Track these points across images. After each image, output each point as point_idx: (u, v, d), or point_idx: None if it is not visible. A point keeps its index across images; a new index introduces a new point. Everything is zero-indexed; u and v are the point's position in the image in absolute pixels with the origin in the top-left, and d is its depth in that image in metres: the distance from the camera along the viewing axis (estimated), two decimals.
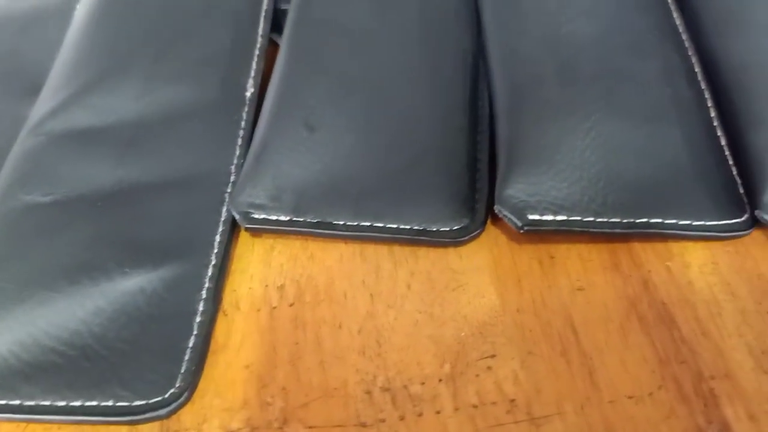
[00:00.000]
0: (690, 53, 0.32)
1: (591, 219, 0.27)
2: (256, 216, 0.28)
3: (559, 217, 0.26)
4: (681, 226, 0.27)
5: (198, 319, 0.25)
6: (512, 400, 0.23)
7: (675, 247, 0.27)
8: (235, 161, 0.30)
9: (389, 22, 0.34)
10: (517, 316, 0.25)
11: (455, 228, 0.27)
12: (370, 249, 0.28)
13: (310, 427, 0.23)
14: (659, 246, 0.27)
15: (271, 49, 0.35)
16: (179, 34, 0.34)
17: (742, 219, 0.27)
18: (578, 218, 0.26)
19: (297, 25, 0.34)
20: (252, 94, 0.32)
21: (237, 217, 0.28)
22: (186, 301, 0.25)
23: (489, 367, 0.24)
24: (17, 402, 0.23)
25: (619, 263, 0.27)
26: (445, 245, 0.27)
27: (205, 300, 0.25)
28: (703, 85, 0.31)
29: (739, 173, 0.28)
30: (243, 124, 0.31)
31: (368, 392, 0.23)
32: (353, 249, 0.28)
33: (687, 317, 0.25)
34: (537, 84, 0.29)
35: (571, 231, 0.27)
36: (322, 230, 0.28)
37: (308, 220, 0.28)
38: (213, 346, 0.25)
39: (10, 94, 0.34)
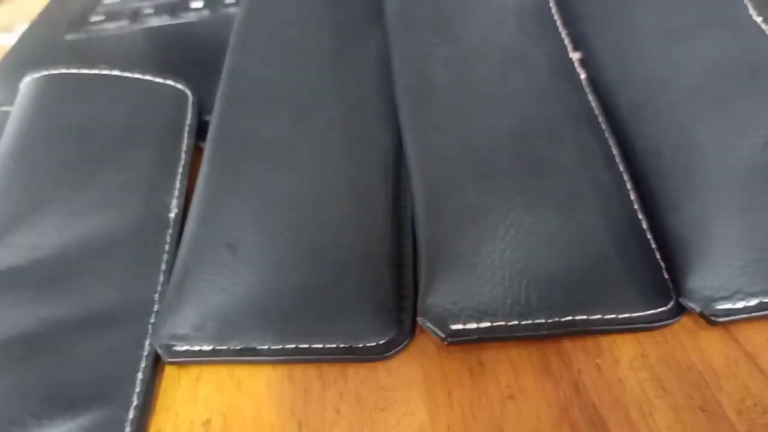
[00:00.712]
0: (607, 136, 0.32)
1: (516, 323, 0.26)
2: (179, 348, 0.27)
3: (483, 324, 0.26)
4: (607, 320, 0.26)
5: None
6: None
7: (604, 341, 0.27)
8: (159, 289, 0.30)
9: (310, 132, 0.34)
10: None
11: (381, 342, 0.27)
12: (299, 371, 0.27)
13: None
14: (589, 342, 0.27)
15: (198, 162, 0.35)
16: (100, 160, 0.33)
17: (669, 307, 0.27)
18: (503, 323, 0.26)
19: (216, 142, 0.34)
20: (176, 215, 0.32)
21: (159, 351, 0.27)
22: None
23: None
24: None
25: (549, 365, 0.26)
26: (373, 361, 0.27)
27: None
28: (621, 168, 0.31)
29: (663, 258, 0.28)
30: (167, 247, 0.31)
31: None
32: (281, 373, 0.27)
33: (619, 420, 0.24)
34: (454, 185, 0.29)
35: (496, 337, 0.26)
36: (247, 357, 0.27)
37: (232, 347, 0.27)
38: None
39: None
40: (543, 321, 0.26)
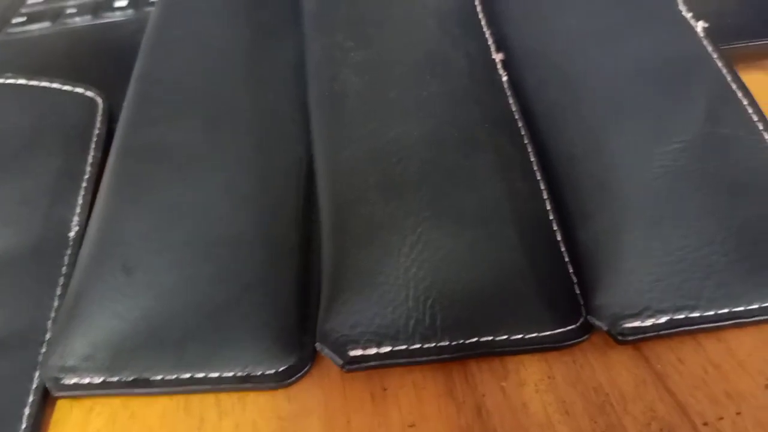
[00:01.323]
0: (526, 142, 0.31)
1: (418, 346, 0.25)
2: (67, 381, 0.26)
3: (384, 349, 0.25)
4: (513, 341, 0.25)
5: (23, 423, 0.23)
6: None
7: (511, 363, 0.26)
8: (52, 315, 0.28)
9: (220, 139, 0.33)
10: None
11: (281, 369, 0.26)
12: (195, 400, 0.26)
13: None
14: (495, 363, 0.26)
15: None
16: (2, 171, 0.32)
17: (578, 325, 0.26)
18: (404, 347, 0.25)
19: (120, 151, 0.32)
20: (76, 233, 0.31)
21: (47, 384, 0.26)
22: (13, 397, 0.24)
23: None
24: None
25: (453, 388, 0.25)
26: (272, 389, 0.26)
27: (34, 400, 0.24)
28: (539, 176, 0.30)
29: (574, 273, 0.27)
30: (64, 269, 0.29)
31: None
32: (177, 402, 0.26)
33: None
34: (359, 199, 0.28)
35: (397, 363, 0.25)
36: (140, 389, 0.26)
37: (123, 379, 0.26)
38: None
39: None
40: (447, 344, 0.25)
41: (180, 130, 0.33)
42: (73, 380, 0.26)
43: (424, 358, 0.25)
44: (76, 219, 0.31)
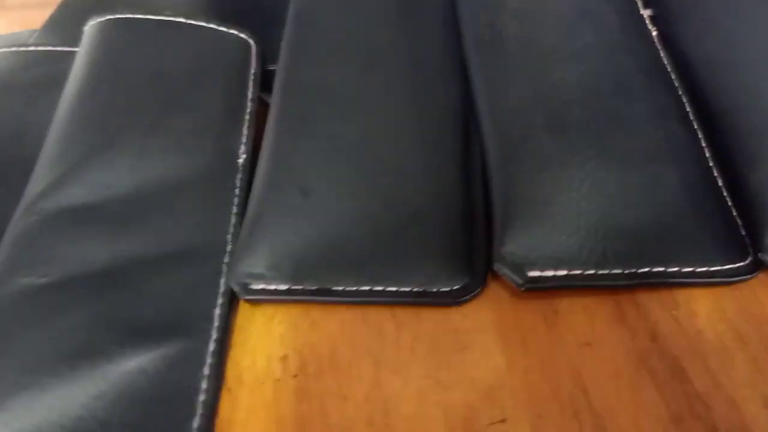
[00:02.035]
0: (680, 93, 0.32)
1: (592, 272, 0.26)
2: (255, 286, 0.28)
3: (560, 272, 0.26)
4: (684, 273, 0.26)
5: (201, 397, 0.24)
6: None
7: (680, 295, 0.27)
8: (231, 230, 0.30)
9: (377, 81, 0.34)
10: (525, 377, 0.25)
11: (455, 288, 0.27)
12: (372, 313, 0.28)
13: None
14: (664, 295, 0.27)
15: (262, 110, 0.35)
16: (169, 104, 0.34)
17: (746, 262, 0.27)
18: (579, 272, 0.26)
19: (285, 89, 0.34)
20: (245, 160, 0.32)
21: (235, 288, 0.28)
22: (188, 379, 0.25)
23: None
24: None
25: (625, 315, 0.26)
26: (447, 305, 0.27)
27: (208, 377, 0.25)
28: (695, 125, 0.31)
29: (739, 215, 0.28)
30: (237, 191, 0.31)
31: None
32: (355, 314, 0.28)
33: (698, 369, 0.24)
34: (527, 136, 0.29)
35: (572, 285, 0.26)
36: (322, 297, 0.27)
37: (307, 287, 0.27)
38: (218, 423, 0.25)
39: (16, 165, 0.34)
40: (620, 271, 0.26)
41: (338, 71, 0.34)
42: (261, 286, 0.27)
43: (597, 283, 0.26)
44: (243, 148, 0.33)
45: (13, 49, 0.40)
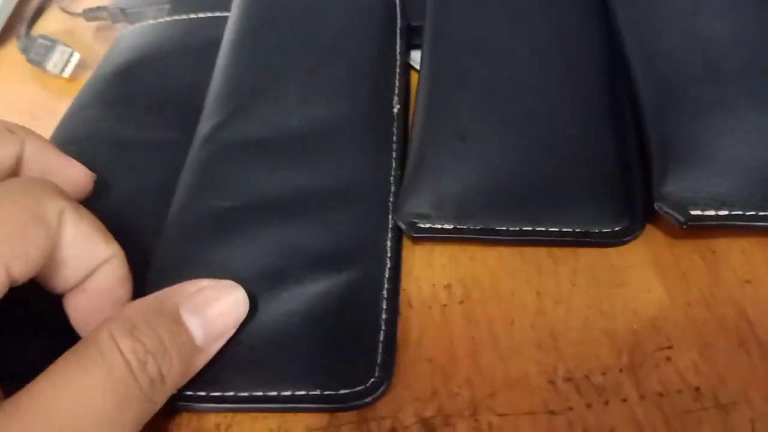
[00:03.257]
0: None
1: (753, 213, 0.27)
2: (422, 225, 0.29)
3: (721, 212, 0.27)
4: None
5: (384, 316, 0.26)
6: (697, 389, 0.24)
7: None
8: (392, 173, 0.32)
9: (521, 33, 0.35)
10: (688, 310, 0.26)
11: (617, 229, 0.28)
12: (529, 250, 0.29)
13: (501, 415, 0.24)
14: None
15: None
16: (327, 50, 0.36)
17: None
18: (740, 212, 0.27)
19: (434, 41, 0.36)
20: (398, 110, 0.34)
21: (403, 227, 0.30)
22: (370, 300, 0.27)
23: (668, 358, 0.25)
24: (231, 394, 0.24)
25: None
26: (606, 246, 0.28)
27: (387, 299, 0.27)
28: None
29: None
30: (395, 138, 0.33)
31: (551, 382, 0.24)
32: (512, 250, 0.29)
33: None
34: (685, 83, 0.30)
35: (733, 225, 0.27)
36: (486, 236, 0.29)
37: (471, 227, 0.29)
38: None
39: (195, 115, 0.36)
40: None
41: (485, 25, 0.36)
42: (427, 225, 0.29)
43: (759, 224, 0.27)
44: (396, 98, 0.35)
45: (175, 17, 0.43)
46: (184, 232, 0.30)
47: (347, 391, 0.24)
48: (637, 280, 0.27)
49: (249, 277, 0.27)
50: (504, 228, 0.29)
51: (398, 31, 0.38)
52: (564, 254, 0.29)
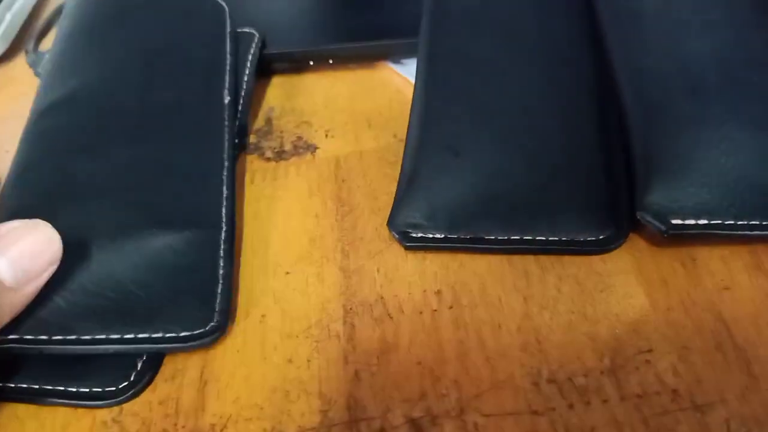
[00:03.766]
0: None
1: (732, 222, 0.28)
2: (414, 235, 0.31)
3: (701, 221, 0.28)
4: None
5: (221, 271, 0.29)
6: (674, 390, 0.25)
7: None
8: (225, 152, 0.35)
9: (513, 49, 0.37)
10: (668, 314, 0.27)
11: (601, 237, 0.29)
12: (518, 258, 0.30)
13: (486, 415, 0.25)
14: None
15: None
16: (163, 48, 0.39)
17: None
18: (719, 222, 0.28)
19: (429, 56, 0.37)
20: (228, 101, 0.37)
21: (397, 236, 0.31)
22: (208, 257, 0.30)
23: (647, 361, 0.26)
24: (74, 337, 0.27)
25: (761, 263, 0.28)
26: (591, 254, 0.29)
27: (223, 258, 0.30)
28: None
29: None
30: (226, 123, 0.36)
31: (535, 384, 0.25)
32: (500, 258, 0.30)
33: None
34: (667, 99, 0.31)
35: (713, 234, 0.28)
36: (475, 245, 0.30)
37: (462, 236, 0.30)
38: (384, 346, 0.28)
39: None
40: (758, 222, 0.28)
41: (478, 41, 0.37)
42: (420, 234, 0.31)
43: (737, 233, 0.28)
44: (225, 91, 0.37)
45: None
46: (32, 190, 0.32)
47: (187, 333, 0.27)
48: (620, 286, 0.28)
49: (98, 232, 0.29)
50: (493, 237, 0.30)
51: (227, 34, 0.41)
52: (551, 262, 0.30)
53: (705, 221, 0.28)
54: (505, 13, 0.38)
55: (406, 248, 0.31)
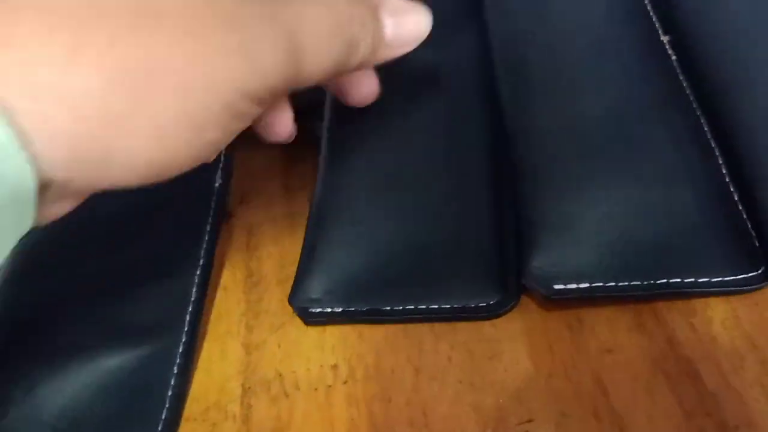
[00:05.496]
0: (699, 114, 0.34)
1: (612, 284, 0.29)
2: (314, 310, 0.31)
3: (582, 285, 0.29)
4: (700, 283, 0.28)
5: (170, 392, 0.29)
6: None
7: (697, 303, 0.29)
8: (204, 246, 0.34)
9: (414, 116, 0.37)
10: (550, 381, 0.27)
11: (491, 302, 0.30)
12: (412, 326, 0.31)
13: None
14: (682, 304, 0.29)
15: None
16: None
17: (759, 272, 0.29)
18: (600, 284, 0.29)
19: (332, 126, 0.38)
20: (219, 185, 0.37)
21: (297, 312, 0.31)
22: (159, 376, 0.29)
23: None
24: None
25: (644, 323, 0.29)
26: (483, 319, 0.30)
27: (177, 374, 0.30)
28: (713, 144, 0.33)
29: (753, 227, 0.30)
30: (211, 212, 0.36)
31: None
32: (397, 328, 0.31)
33: (711, 371, 0.26)
34: (554, 160, 0.32)
35: (594, 296, 0.29)
36: (372, 317, 0.31)
37: (358, 309, 0.31)
38: (278, 425, 0.28)
39: None
40: (639, 283, 0.29)
41: (380, 110, 0.37)
42: (318, 309, 0.31)
43: (618, 294, 0.29)
44: (219, 173, 0.37)
45: None
46: None
47: None
48: (508, 351, 0.29)
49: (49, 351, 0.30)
50: (389, 308, 0.31)
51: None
52: (444, 330, 0.30)
53: (586, 284, 0.29)
54: (407, 79, 0.39)
55: (307, 323, 0.31)
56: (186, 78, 0.22)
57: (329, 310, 0.31)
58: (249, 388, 0.30)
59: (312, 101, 0.40)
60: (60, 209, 0.23)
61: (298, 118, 0.41)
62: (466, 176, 0.34)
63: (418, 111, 0.37)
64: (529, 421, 0.26)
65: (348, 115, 0.37)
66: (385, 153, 0.36)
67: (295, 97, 0.40)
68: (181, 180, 0.36)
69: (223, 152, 0.38)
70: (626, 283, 0.29)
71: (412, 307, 0.30)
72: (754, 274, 0.28)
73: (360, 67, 0.29)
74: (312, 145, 0.40)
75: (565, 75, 0.36)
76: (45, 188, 0.20)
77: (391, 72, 0.38)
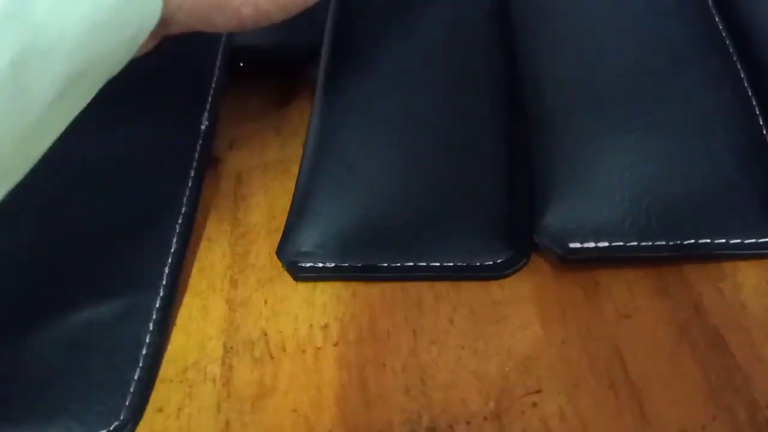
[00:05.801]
0: (735, 58, 0.31)
1: (635, 243, 0.26)
2: (304, 264, 0.28)
3: (601, 244, 0.26)
4: (731, 245, 0.26)
5: (144, 351, 0.26)
6: None
7: (727, 267, 0.26)
8: (187, 193, 0.31)
9: (417, 61, 0.34)
10: (562, 348, 0.25)
11: (498, 261, 0.27)
12: (412, 285, 0.28)
13: None
14: (710, 266, 0.26)
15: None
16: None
17: None
18: (621, 243, 0.26)
19: (329, 66, 0.34)
20: (206, 126, 0.33)
21: (286, 267, 0.29)
22: (132, 333, 0.27)
23: (534, 404, 0.24)
24: None
25: (667, 287, 0.26)
26: (488, 279, 0.27)
27: (152, 331, 0.27)
28: (750, 92, 0.30)
29: None
30: (196, 156, 0.32)
31: None
32: (394, 286, 0.28)
33: (741, 342, 0.24)
34: (569, 109, 0.29)
35: (614, 257, 0.26)
36: (367, 273, 0.28)
37: (353, 264, 0.28)
38: (261, 389, 0.26)
39: None
40: (663, 243, 0.26)
41: (383, 51, 0.34)
42: (309, 263, 0.28)
43: (640, 255, 0.26)
44: (206, 115, 0.34)
45: None
46: None
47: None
48: (517, 315, 0.26)
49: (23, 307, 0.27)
50: (386, 264, 0.28)
51: (221, 48, 0.36)
52: (446, 289, 0.28)
53: (606, 243, 0.26)
54: (412, 21, 0.36)
55: (296, 279, 0.29)
56: None
57: (321, 265, 0.28)
58: (231, 348, 0.27)
59: (309, 44, 0.37)
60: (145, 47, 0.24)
61: (295, 61, 0.39)
62: (475, 123, 0.31)
63: (425, 55, 0.34)
64: (537, 392, 0.24)
65: (348, 57, 0.34)
66: (386, 97, 0.32)
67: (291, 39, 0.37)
68: (165, 120, 0.34)
69: (211, 90, 0.35)
70: (650, 243, 0.26)
71: (412, 263, 0.28)
72: None
73: None
74: (308, 89, 0.37)
75: (583, 19, 0.32)
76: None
77: (400, 17, 0.35)
